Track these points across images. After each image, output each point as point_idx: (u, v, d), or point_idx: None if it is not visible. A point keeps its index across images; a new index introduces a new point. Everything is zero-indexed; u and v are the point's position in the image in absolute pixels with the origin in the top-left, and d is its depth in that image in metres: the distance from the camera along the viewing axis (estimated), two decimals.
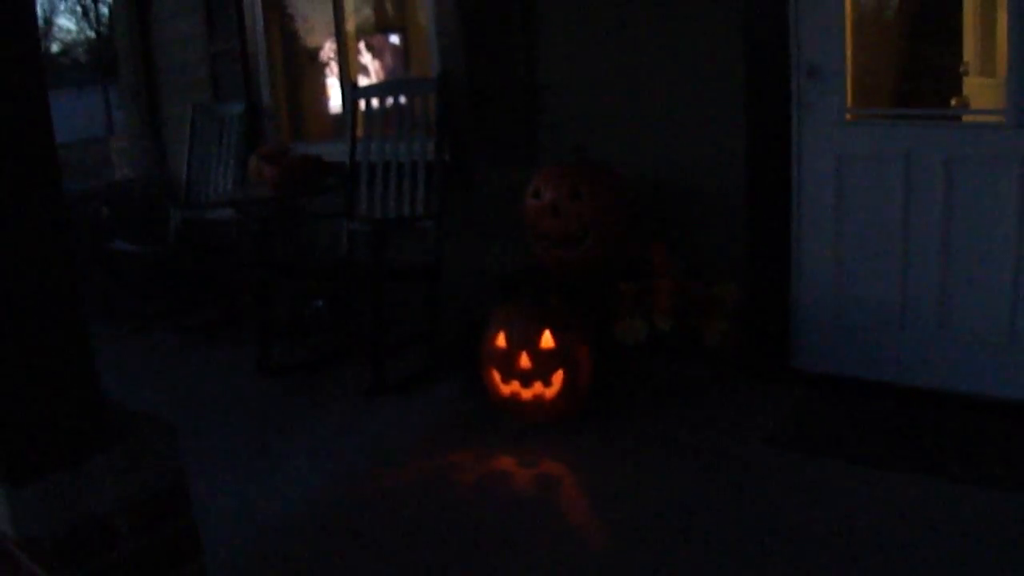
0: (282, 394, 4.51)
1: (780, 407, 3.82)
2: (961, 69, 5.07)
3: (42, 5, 30.00)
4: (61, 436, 1.72)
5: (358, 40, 6.26)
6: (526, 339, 3.78)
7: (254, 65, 6.12)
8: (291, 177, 5.18)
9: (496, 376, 3.86)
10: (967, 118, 4.45)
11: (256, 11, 6.03)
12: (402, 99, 5.01)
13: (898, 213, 3.77)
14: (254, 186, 5.42)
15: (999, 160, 3.52)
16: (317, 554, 3.00)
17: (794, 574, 2.69)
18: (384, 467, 3.63)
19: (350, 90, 5.30)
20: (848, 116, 3.89)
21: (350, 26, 5.93)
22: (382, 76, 6.70)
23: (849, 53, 3.86)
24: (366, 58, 6.71)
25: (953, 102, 4.93)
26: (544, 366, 3.76)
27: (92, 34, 31.19)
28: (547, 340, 3.76)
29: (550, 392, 3.78)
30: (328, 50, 6.29)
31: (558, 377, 3.77)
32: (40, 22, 29.09)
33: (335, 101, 6.37)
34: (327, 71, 6.47)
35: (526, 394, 3.79)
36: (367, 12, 6.70)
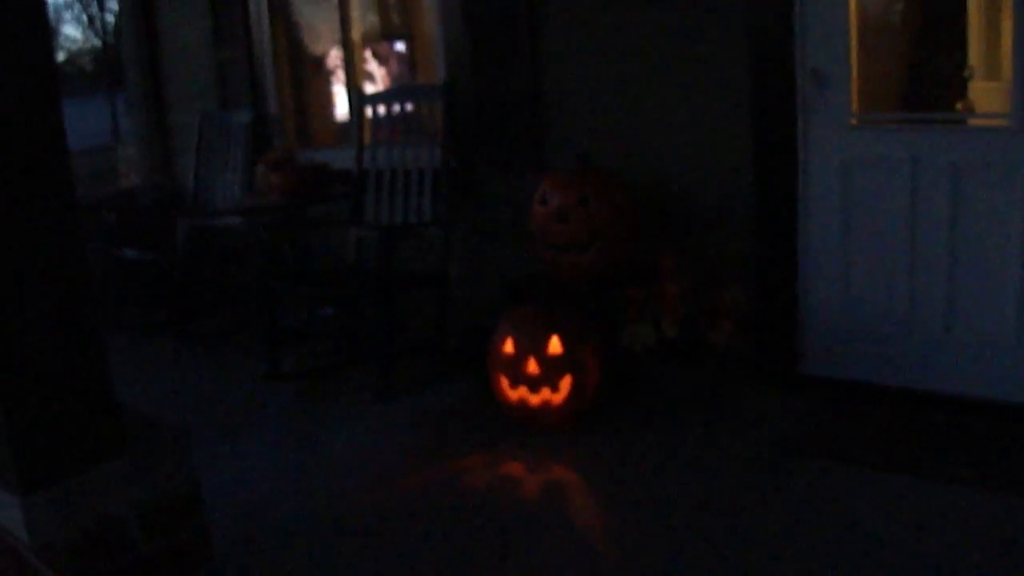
0: (290, 401, 4.52)
1: (788, 412, 3.82)
2: (966, 73, 5.07)
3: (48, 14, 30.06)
4: (74, 442, 1.73)
5: (364, 47, 6.27)
6: (534, 345, 3.79)
7: (261, 73, 6.13)
8: (298, 184, 5.19)
9: (504, 382, 3.86)
10: (972, 122, 4.45)
11: (262, 19, 6.05)
12: (408, 106, 5.02)
13: (904, 217, 3.77)
14: (261, 194, 5.44)
15: (1005, 164, 3.52)
16: (325, 557, 3.00)
17: None
18: (392, 473, 3.63)
19: (356, 97, 5.31)
20: (854, 121, 3.89)
21: (356, 34, 5.94)
22: (388, 83, 6.71)
23: (854, 58, 3.86)
24: (372, 65, 6.72)
25: (958, 106, 4.92)
26: (552, 372, 3.76)
27: (98, 43, 31.21)
28: (555, 346, 3.76)
29: (558, 398, 3.78)
30: (334, 57, 6.30)
31: (566, 383, 3.77)
32: None
33: (341, 108, 6.38)
34: (333, 78, 6.48)
35: (534, 400, 3.80)
36: (373, 19, 6.71)
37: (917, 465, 3.26)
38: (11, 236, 1.64)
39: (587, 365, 3.82)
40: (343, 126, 6.30)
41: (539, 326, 3.82)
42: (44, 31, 1.70)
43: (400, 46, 6.96)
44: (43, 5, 1.69)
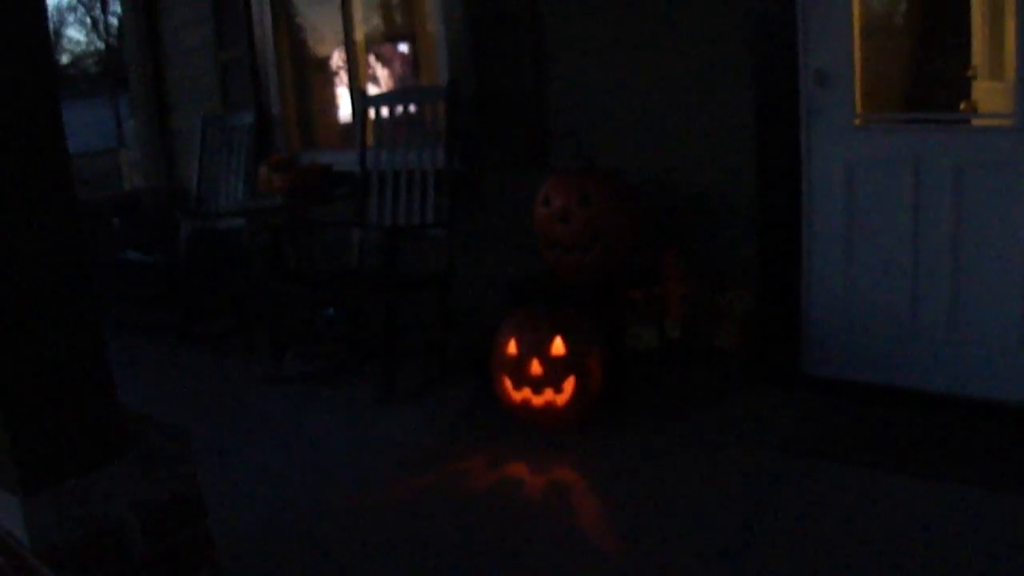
0: (294, 403, 4.52)
1: (792, 412, 3.82)
2: (970, 73, 5.06)
3: (51, 17, 30.14)
4: (75, 444, 1.72)
5: (367, 49, 6.27)
6: (537, 346, 3.79)
7: (264, 75, 6.15)
8: (301, 186, 5.19)
9: (507, 383, 3.86)
10: (976, 122, 4.44)
11: (265, 21, 6.06)
12: (412, 107, 5.03)
13: (908, 217, 3.77)
14: (264, 195, 5.44)
15: (1009, 163, 3.51)
16: (328, 559, 3.00)
17: None
18: (395, 474, 3.63)
19: (360, 99, 5.32)
20: (857, 121, 3.88)
21: (359, 35, 5.95)
22: (391, 85, 6.71)
23: (857, 58, 3.86)
24: (375, 67, 6.72)
25: (962, 106, 4.92)
26: (555, 373, 3.76)
27: (101, 45, 31.31)
28: (558, 347, 3.76)
29: (561, 399, 3.78)
30: (337, 59, 6.31)
31: (569, 384, 3.77)
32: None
33: (345, 110, 6.39)
34: (336, 80, 6.49)
35: (537, 401, 3.79)
36: (376, 21, 6.71)
37: (920, 466, 3.25)
38: (11, 238, 1.63)
39: (590, 366, 3.82)
40: (346, 128, 6.31)
41: (542, 327, 3.81)
42: (43, 29, 1.69)
43: (403, 47, 6.96)
44: (43, 6, 1.69)
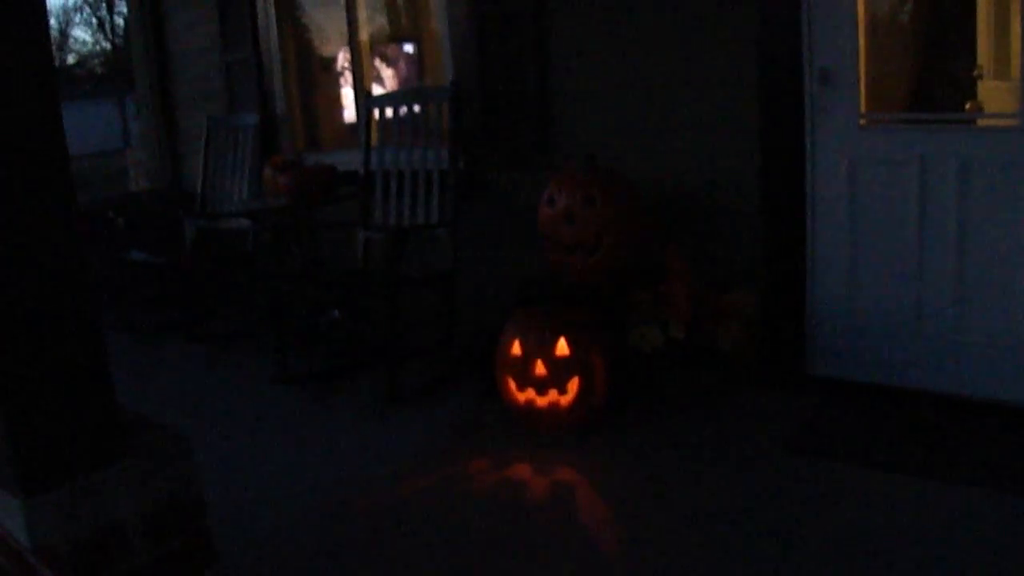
0: (298, 403, 4.52)
1: (796, 413, 3.81)
2: (975, 73, 5.06)
3: (57, 17, 30.20)
4: (75, 446, 1.72)
5: (372, 49, 6.27)
6: (541, 347, 3.78)
7: (268, 75, 6.15)
8: (305, 186, 5.19)
9: (511, 384, 3.86)
10: (982, 122, 4.43)
11: (270, 22, 6.07)
12: (416, 108, 5.02)
13: (913, 217, 3.76)
14: (269, 196, 5.45)
15: (1014, 163, 3.50)
16: (331, 560, 3.00)
17: None
18: (399, 475, 3.63)
19: (364, 99, 5.32)
20: (862, 121, 3.87)
21: (364, 35, 5.95)
22: (396, 85, 6.71)
23: (862, 58, 3.85)
24: (380, 67, 6.73)
25: (967, 106, 4.91)
26: (559, 373, 3.76)
27: (108, 46, 31.36)
28: (562, 348, 3.76)
29: (565, 399, 3.77)
30: (342, 59, 6.32)
31: (573, 384, 3.76)
32: (55, 34, 29.25)
33: (349, 110, 6.40)
34: (341, 80, 6.50)
35: (541, 401, 3.79)
36: (381, 21, 6.72)
37: (924, 467, 3.24)
38: (11, 239, 1.63)
39: (594, 367, 3.81)
40: (351, 128, 6.31)
41: (547, 328, 3.81)
42: (43, 29, 1.69)
43: (408, 47, 6.96)
44: (43, 5, 1.68)
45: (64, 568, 1.68)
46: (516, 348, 3.83)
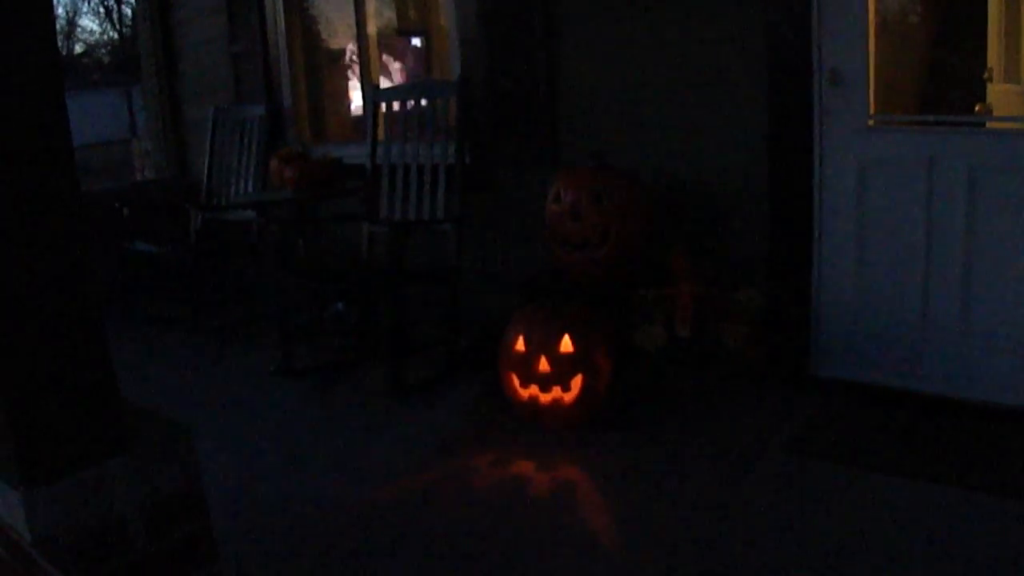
0: (301, 397, 4.51)
1: (800, 414, 3.80)
2: (985, 75, 5.04)
3: (65, 6, 30.15)
4: (77, 439, 1.71)
5: (380, 43, 6.26)
6: (545, 343, 3.77)
7: (275, 67, 6.14)
8: (311, 179, 5.19)
9: (515, 380, 3.85)
10: (991, 125, 4.42)
11: (278, 13, 6.06)
12: (423, 102, 5.01)
13: (921, 220, 3.74)
14: (275, 188, 5.44)
15: (1023, 167, 3.49)
16: (333, 557, 2.99)
17: None
18: (401, 470, 3.62)
19: (371, 92, 5.31)
20: (871, 122, 3.86)
21: (371, 29, 5.94)
22: (403, 78, 6.71)
23: (872, 59, 3.84)
24: (388, 60, 6.72)
25: (977, 108, 4.90)
26: (563, 370, 3.75)
27: (115, 35, 31.32)
28: (566, 344, 3.75)
29: (569, 397, 3.77)
30: (349, 52, 6.31)
31: (577, 382, 3.75)
32: (63, 23, 29.22)
33: (356, 103, 6.39)
34: (348, 73, 6.49)
35: (544, 398, 3.78)
36: (389, 15, 6.72)
37: (929, 470, 3.23)
38: (14, 232, 1.63)
39: (599, 364, 3.80)
40: (357, 121, 6.31)
41: (551, 325, 3.80)
42: (48, 22, 1.68)
43: (415, 41, 6.96)
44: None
45: (64, 561, 1.67)
46: (520, 344, 3.82)
